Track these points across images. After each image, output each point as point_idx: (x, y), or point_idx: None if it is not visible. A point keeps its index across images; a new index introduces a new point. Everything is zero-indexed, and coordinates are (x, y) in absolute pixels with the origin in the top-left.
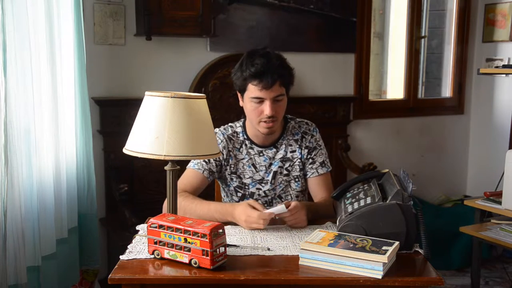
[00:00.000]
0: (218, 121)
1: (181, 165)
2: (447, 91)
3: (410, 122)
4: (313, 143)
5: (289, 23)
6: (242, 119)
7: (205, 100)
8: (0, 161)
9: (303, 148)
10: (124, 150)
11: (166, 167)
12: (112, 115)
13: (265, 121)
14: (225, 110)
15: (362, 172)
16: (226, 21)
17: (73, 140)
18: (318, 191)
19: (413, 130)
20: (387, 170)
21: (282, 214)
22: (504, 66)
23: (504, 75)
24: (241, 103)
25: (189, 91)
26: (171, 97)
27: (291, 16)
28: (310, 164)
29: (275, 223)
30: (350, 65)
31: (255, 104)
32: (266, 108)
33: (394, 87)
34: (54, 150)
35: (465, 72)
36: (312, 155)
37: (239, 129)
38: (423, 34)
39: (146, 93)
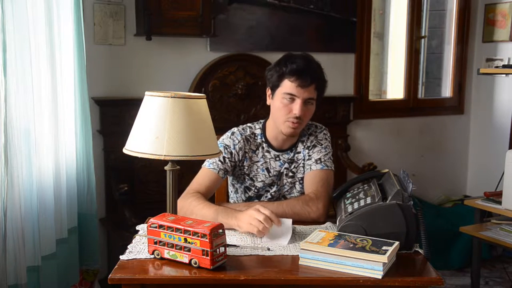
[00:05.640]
0: (218, 121)
1: (181, 165)
2: (447, 91)
3: (410, 122)
4: (313, 142)
5: (289, 23)
6: (262, 121)
7: (205, 100)
8: (0, 161)
9: (305, 148)
10: (124, 150)
11: (166, 167)
12: (112, 115)
13: (291, 121)
14: (225, 110)
15: (362, 172)
16: (226, 21)
17: (73, 140)
18: (306, 186)
19: (413, 130)
20: (387, 170)
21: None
22: (504, 66)
23: (504, 75)
24: (268, 101)
25: (189, 91)
26: (171, 97)
27: (291, 16)
28: (307, 160)
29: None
30: (350, 65)
31: (286, 101)
32: (296, 107)
33: (394, 87)
34: (54, 150)
35: (465, 72)
36: (310, 152)
37: (258, 131)
38: (423, 34)
39: (146, 93)
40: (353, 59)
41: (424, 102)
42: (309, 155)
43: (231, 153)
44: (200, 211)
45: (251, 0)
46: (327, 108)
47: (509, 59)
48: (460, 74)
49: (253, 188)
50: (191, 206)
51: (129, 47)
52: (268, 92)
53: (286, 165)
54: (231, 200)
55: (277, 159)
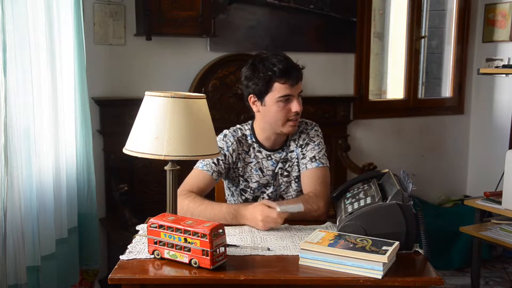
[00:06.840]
0: (218, 121)
1: (181, 165)
2: (447, 91)
3: (410, 122)
4: (306, 140)
5: (289, 23)
6: (250, 122)
7: (205, 100)
8: (0, 161)
9: (298, 146)
10: (124, 150)
11: (166, 167)
12: (112, 115)
13: (292, 119)
14: (225, 110)
15: (362, 172)
16: (226, 21)
17: (73, 140)
18: (304, 185)
19: (413, 130)
20: (387, 170)
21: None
22: (504, 66)
23: (504, 75)
24: (255, 109)
25: (189, 91)
26: (171, 97)
27: (291, 16)
28: (302, 159)
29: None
30: (350, 65)
31: (283, 103)
32: (295, 105)
33: (394, 87)
34: (54, 150)
35: (465, 72)
36: (303, 151)
37: (247, 132)
38: (423, 34)
39: (146, 93)
40: (353, 59)
41: (424, 102)
42: (303, 154)
43: (224, 155)
44: (203, 212)
45: (251, 0)
46: (327, 108)
47: (509, 59)
48: (460, 74)
49: (248, 190)
50: (189, 207)
51: (129, 47)
52: (252, 99)
53: (280, 164)
54: (228, 203)
55: (269, 158)
